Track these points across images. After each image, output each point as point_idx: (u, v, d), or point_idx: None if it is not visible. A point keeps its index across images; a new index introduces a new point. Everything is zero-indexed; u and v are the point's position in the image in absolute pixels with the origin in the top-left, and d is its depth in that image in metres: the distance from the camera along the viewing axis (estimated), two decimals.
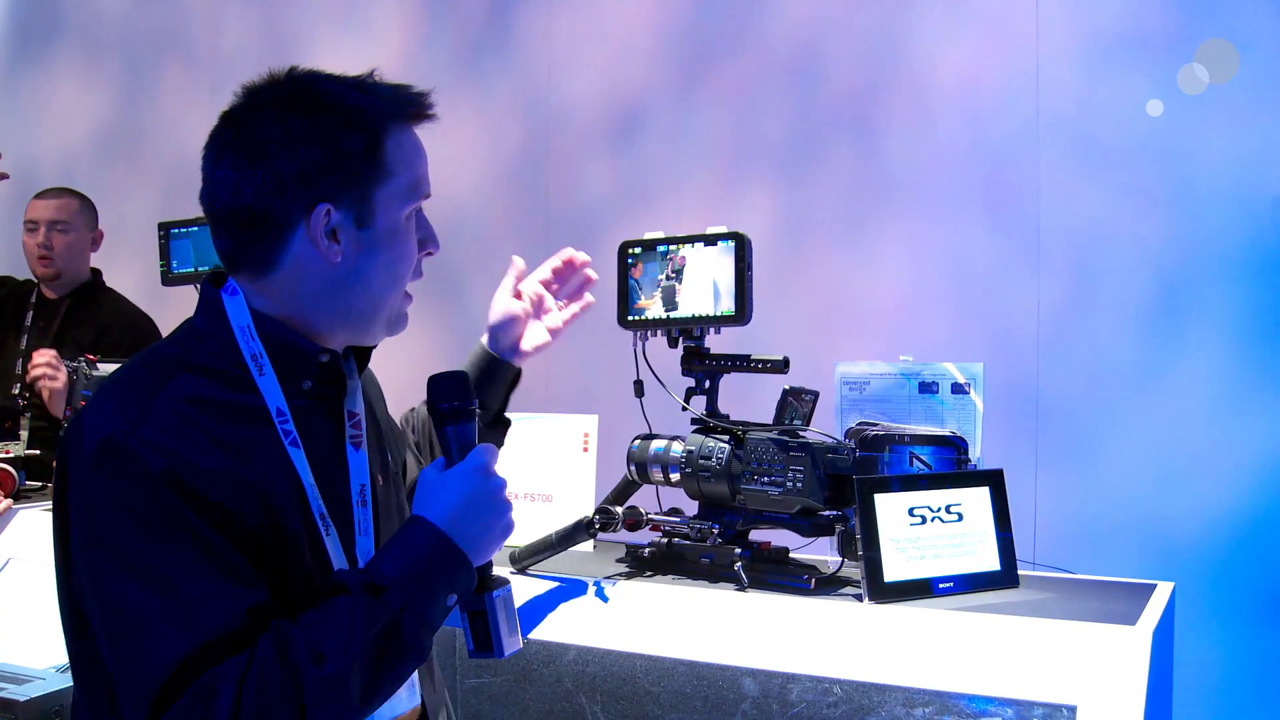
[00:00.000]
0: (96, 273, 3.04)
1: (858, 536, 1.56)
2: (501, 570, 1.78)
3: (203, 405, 1.10)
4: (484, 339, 1.64)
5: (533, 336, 1.63)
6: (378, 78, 1.22)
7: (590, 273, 1.67)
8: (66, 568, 1.12)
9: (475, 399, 1.21)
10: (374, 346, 1.30)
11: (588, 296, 1.67)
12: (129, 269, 4.08)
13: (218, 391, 1.12)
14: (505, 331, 1.61)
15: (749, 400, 1.88)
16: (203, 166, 1.20)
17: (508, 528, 1.18)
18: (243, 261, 1.19)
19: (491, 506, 1.16)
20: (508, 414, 1.64)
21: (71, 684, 1.19)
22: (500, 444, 1.61)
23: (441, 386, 1.20)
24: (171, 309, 3.09)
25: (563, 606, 1.66)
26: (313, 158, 1.15)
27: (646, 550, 1.79)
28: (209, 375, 1.13)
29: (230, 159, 1.17)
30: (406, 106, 1.20)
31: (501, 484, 1.18)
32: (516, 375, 1.63)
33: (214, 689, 0.98)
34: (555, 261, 1.67)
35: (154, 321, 3.05)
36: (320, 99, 1.17)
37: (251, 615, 1.03)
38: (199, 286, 1.22)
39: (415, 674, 1.24)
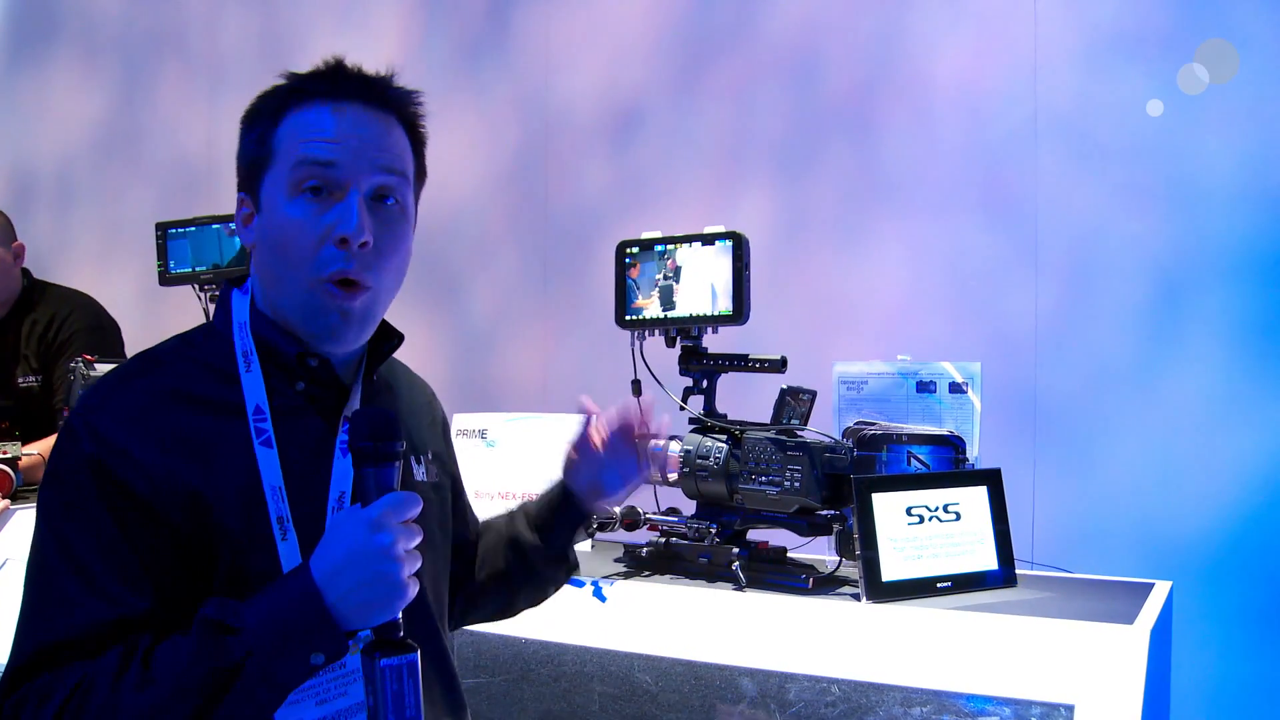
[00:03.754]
0: (29, 281, 3.02)
1: (855, 536, 1.56)
2: None
3: (177, 399, 1.11)
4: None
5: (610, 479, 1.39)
6: (339, 60, 1.19)
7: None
8: None
9: (400, 441, 1.07)
10: (382, 352, 1.25)
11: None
12: (126, 269, 4.09)
13: (202, 387, 1.13)
14: (578, 472, 1.41)
15: (747, 400, 1.88)
16: None
17: (394, 591, 1.01)
18: None
19: (368, 565, 1.00)
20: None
21: None
22: (559, 583, 1.47)
23: (360, 424, 1.06)
24: (169, 309, 3.10)
25: (561, 606, 1.66)
26: (237, 155, 1.20)
27: (644, 550, 1.79)
28: (202, 369, 1.14)
29: None
30: (308, 84, 1.16)
31: (387, 542, 1.01)
32: (584, 517, 1.44)
33: (50, 691, 1.00)
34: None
35: (95, 300, 3.05)
36: (256, 97, 1.20)
37: (118, 624, 1.03)
38: (221, 286, 1.23)
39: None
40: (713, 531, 1.71)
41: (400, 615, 1.04)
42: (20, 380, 2.91)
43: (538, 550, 1.41)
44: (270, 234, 1.15)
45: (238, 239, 2.49)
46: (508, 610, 1.48)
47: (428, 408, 1.39)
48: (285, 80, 1.19)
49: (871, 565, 1.55)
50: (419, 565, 1.05)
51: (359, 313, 1.16)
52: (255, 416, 1.12)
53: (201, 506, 1.08)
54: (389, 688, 1.02)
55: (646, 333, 1.82)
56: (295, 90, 1.16)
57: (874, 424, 1.81)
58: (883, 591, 1.54)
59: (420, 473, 1.31)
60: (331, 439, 1.18)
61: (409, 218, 1.20)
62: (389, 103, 1.18)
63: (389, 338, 1.26)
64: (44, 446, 2.67)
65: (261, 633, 0.99)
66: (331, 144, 1.13)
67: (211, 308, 2.52)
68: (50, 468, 1.09)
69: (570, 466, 1.42)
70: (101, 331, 2.81)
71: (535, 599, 1.47)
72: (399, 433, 1.07)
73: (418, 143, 1.22)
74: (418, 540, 1.04)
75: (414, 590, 1.04)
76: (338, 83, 1.16)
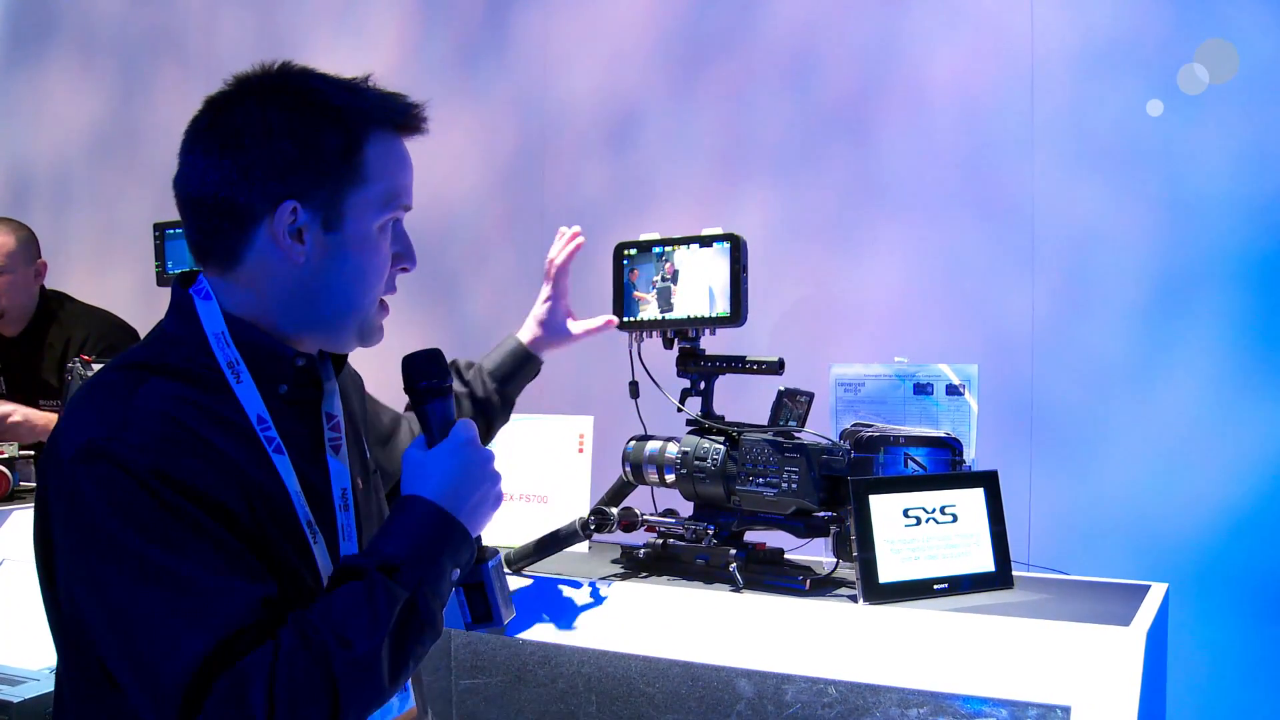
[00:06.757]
0: (47, 296, 3.02)
1: (852, 538, 1.56)
2: None
3: (182, 404, 1.08)
4: (523, 335, 1.76)
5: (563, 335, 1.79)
6: (372, 83, 1.20)
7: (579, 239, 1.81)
8: (50, 573, 1.11)
9: (451, 375, 1.22)
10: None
11: (612, 318, 1.81)
12: (124, 270, 4.09)
13: (198, 396, 1.10)
14: (551, 332, 1.76)
15: (744, 402, 1.89)
16: (179, 152, 1.18)
17: (499, 498, 1.20)
18: (210, 253, 1.17)
19: (483, 477, 1.17)
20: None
21: None
22: (497, 427, 1.77)
23: (418, 365, 1.20)
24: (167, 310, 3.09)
25: (558, 607, 1.67)
26: (285, 151, 1.12)
27: (641, 551, 1.79)
28: (182, 379, 1.11)
29: (203, 146, 1.15)
30: (394, 114, 1.18)
31: (490, 455, 1.19)
32: (539, 369, 1.79)
33: (244, 683, 0.96)
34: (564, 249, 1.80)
35: (115, 316, 3.07)
36: (305, 94, 1.14)
37: (268, 606, 1.01)
38: (174, 290, 1.20)
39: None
40: (710, 533, 1.72)
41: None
42: (42, 404, 2.92)
43: (491, 404, 1.71)
44: (350, 256, 1.16)
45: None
46: None
47: (358, 385, 1.44)
48: (361, 87, 1.18)
49: (868, 567, 1.55)
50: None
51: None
52: (260, 426, 1.12)
53: (253, 510, 1.08)
54: (497, 584, 1.22)
55: (644, 334, 1.82)
56: (374, 110, 1.17)
57: (871, 426, 1.81)
58: (879, 593, 1.55)
59: (368, 452, 1.35)
60: (319, 438, 1.19)
61: None
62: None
63: None
64: (49, 416, 2.66)
65: (418, 560, 1.07)
66: (409, 185, 1.22)
67: None
68: (97, 501, 1.02)
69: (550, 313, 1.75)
70: (115, 352, 2.81)
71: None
72: (448, 368, 1.22)
73: None
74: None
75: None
76: (404, 112, 1.20)
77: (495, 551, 1.24)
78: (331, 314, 1.18)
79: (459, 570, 1.13)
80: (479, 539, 1.20)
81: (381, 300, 1.22)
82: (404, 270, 1.23)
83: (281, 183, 1.12)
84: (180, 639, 0.97)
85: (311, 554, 1.12)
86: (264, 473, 1.10)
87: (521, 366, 1.75)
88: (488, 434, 1.75)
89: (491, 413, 1.73)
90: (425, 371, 1.19)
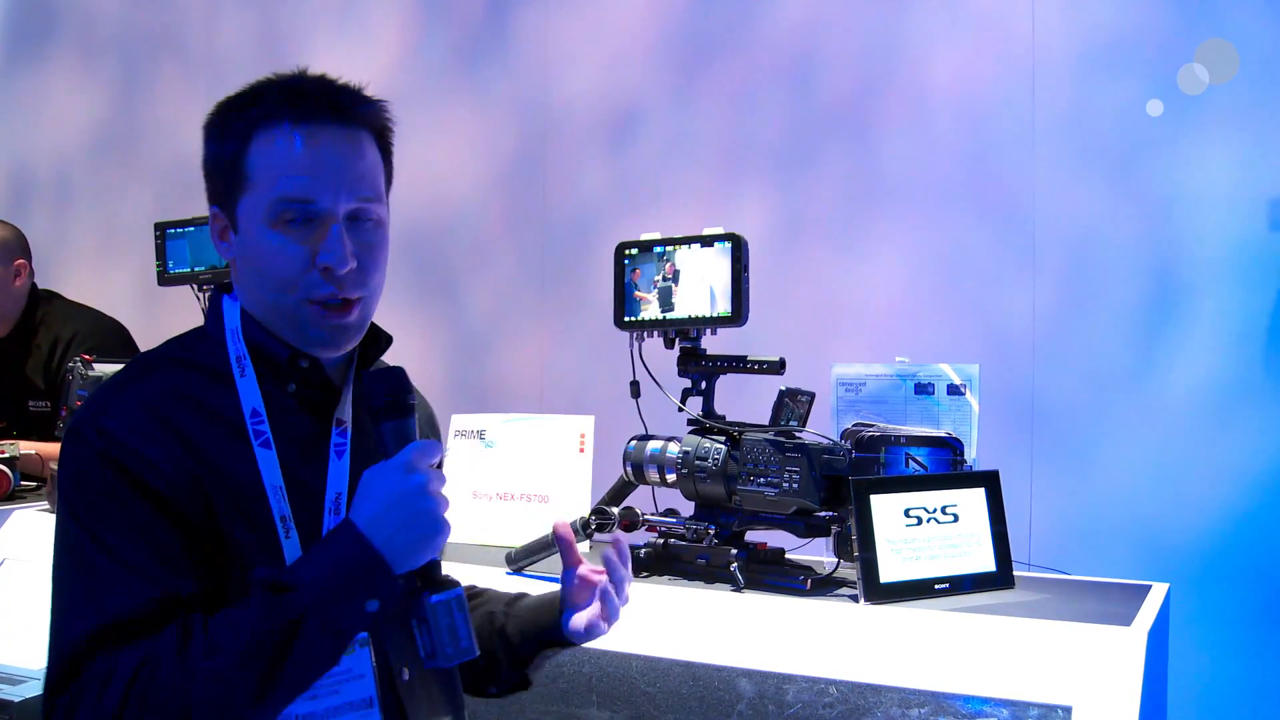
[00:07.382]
0: (36, 296, 3.00)
1: (853, 537, 1.56)
2: (495, 570, 1.79)
3: (176, 399, 1.13)
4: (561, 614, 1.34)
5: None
6: (310, 74, 1.19)
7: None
8: None
9: (413, 393, 1.14)
10: (370, 355, 1.26)
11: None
12: (125, 269, 4.08)
13: (199, 389, 1.15)
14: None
15: (745, 401, 1.88)
16: None
17: (435, 527, 1.06)
18: None
19: (408, 505, 1.05)
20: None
21: None
22: (501, 692, 1.41)
23: (376, 383, 1.13)
24: (168, 309, 3.09)
25: None
26: (204, 163, 1.21)
27: (643, 551, 1.79)
28: (198, 372, 1.16)
29: None
30: (284, 109, 1.14)
31: (422, 481, 1.05)
32: (565, 647, 1.37)
33: (109, 676, 0.99)
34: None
35: (102, 314, 3.05)
36: (222, 107, 1.20)
37: (169, 605, 1.03)
38: (211, 292, 1.26)
39: (375, 696, 1.15)
40: (711, 533, 1.72)
41: (439, 556, 1.10)
42: (32, 405, 2.92)
43: (502, 664, 1.36)
44: (252, 258, 1.17)
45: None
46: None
47: (427, 423, 1.39)
48: (250, 91, 1.18)
49: (869, 567, 1.55)
50: (449, 507, 1.08)
51: (354, 323, 1.18)
52: (253, 420, 1.14)
53: (210, 504, 1.10)
54: (442, 622, 1.08)
55: (645, 334, 1.82)
56: (262, 109, 1.15)
57: (872, 425, 1.81)
58: (881, 593, 1.55)
59: None
60: (324, 441, 1.19)
61: (385, 224, 1.21)
62: (358, 118, 1.18)
63: (378, 337, 1.27)
64: (41, 447, 2.67)
65: (318, 586, 1.02)
66: (308, 180, 1.13)
67: None
68: (63, 475, 1.11)
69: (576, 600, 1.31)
70: (102, 350, 2.81)
71: (473, 687, 1.37)
72: (410, 387, 1.13)
73: (386, 148, 1.23)
74: (445, 483, 1.09)
75: (449, 530, 1.08)
76: (306, 103, 1.15)
77: (454, 584, 1.10)
78: (260, 312, 1.19)
79: (377, 602, 1.04)
80: (434, 568, 1.09)
81: (341, 303, 1.16)
82: (327, 270, 1.13)
83: (208, 191, 1.21)
84: (73, 615, 1.04)
85: (281, 550, 1.12)
86: (243, 466, 1.13)
87: (545, 630, 1.36)
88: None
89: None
90: (383, 390, 1.12)
